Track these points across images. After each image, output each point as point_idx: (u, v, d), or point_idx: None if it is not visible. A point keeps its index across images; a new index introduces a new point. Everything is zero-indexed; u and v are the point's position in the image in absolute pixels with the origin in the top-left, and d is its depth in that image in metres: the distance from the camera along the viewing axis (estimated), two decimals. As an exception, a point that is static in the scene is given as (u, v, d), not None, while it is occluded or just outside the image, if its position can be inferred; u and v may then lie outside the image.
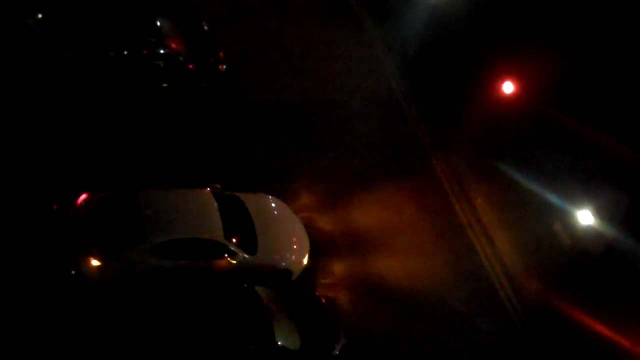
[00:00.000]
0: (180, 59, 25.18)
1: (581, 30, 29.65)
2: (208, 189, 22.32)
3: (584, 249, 24.89)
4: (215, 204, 21.73)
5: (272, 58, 27.75)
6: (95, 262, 20.46)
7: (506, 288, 24.03)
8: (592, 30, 29.67)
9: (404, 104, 27.75)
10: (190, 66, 25.40)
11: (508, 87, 26.68)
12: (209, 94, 25.89)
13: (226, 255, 21.21)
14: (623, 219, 25.15)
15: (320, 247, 23.16)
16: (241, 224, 21.87)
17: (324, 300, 21.67)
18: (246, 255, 21.41)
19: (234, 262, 21.31)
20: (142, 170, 23.45)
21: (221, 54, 26.20)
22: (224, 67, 26.12)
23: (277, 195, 23.34)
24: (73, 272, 20.66)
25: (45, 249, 21.01)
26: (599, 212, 24.35)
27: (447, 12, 30.03)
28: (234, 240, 21.35)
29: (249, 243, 21.68)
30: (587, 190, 25.56)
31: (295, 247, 22.33)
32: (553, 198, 25.78)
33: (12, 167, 22.46)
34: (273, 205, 23.01)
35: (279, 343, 20.12)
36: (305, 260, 22.37)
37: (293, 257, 22.14)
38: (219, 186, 22.72)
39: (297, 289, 21.80)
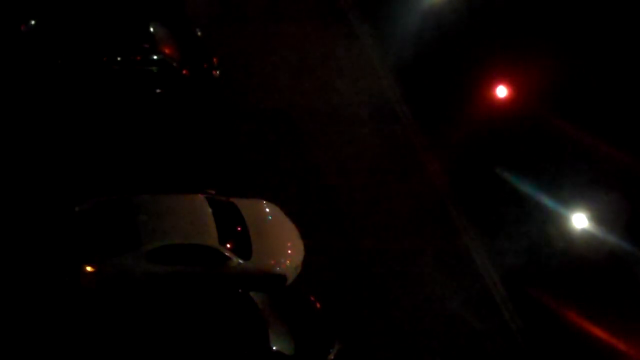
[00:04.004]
0: (174, 64, 25.17)
1: (576, 34, 29.73)
2: (202, 194, 22.31)
3: (578, 252, 24.89)
4: (210, 210, 21.72)
5: (267, 62, 27.73)
6: (89, 268, 20.44)
7: (501, 290, 24.02)
8: (588, 33, 29.76)
9: (398, 106, 27.74)
10: (184, 72, 25.40)
11: (501, 91, 26.75)
12: (203, 100, 25.87)
13: (220, 260, 21.19)
14: (617, 220, 25.19)
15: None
16: (235, 230, 21.87)
17: (318, 305, 21.65)
18: (241, 261, 21.39)
19: (229, 267, 21.28)
20: (136, 176, 23.43)
21: (215, 59, 26.20)
22: (218, 72, 26.11)
23: (272, 200, 23.35)
24: (67, 278, 20.63)
25: (40, 255, 21.00)
26: (594, 216, 24.40)
27: (442, 16, 30.04)
28: (228, 245, 21.33)
29: (244, 248, 21.65)
30: (582, 193, 25.61)
31: (289, 252, 22.31)
32: (548, 201, 25.78)
33: (6, 174, 22.44)
34: (267, 210, 23.00)
35: (274, 348, 20.10)
36: (300, 265, 22.36)
37: (288, 262, 22.10)
38: (213, 192, 22.73)
39: (292, 294, 21.77)
